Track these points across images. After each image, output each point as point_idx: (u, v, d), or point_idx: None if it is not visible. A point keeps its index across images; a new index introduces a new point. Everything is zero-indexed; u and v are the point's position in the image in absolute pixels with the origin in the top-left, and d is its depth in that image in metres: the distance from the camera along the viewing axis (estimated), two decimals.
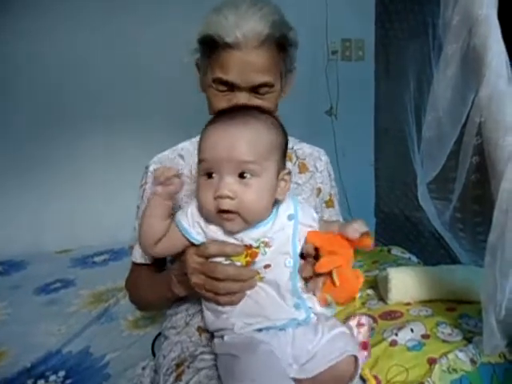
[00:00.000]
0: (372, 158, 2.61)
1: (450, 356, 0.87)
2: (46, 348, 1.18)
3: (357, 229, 0.71)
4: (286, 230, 0.72)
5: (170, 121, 1.94)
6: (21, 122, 2.01)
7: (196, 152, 0.87)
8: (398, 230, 1.82)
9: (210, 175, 0.70)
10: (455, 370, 0.86)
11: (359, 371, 0.71)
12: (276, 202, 0.75)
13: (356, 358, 0.70)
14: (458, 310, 1.04)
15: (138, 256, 0.92)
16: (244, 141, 0.68)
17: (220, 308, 0.73)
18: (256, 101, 0.83)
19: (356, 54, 2.68)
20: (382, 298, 1.16)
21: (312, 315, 0.73)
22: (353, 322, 0.76)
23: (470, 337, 0.93)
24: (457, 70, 0.80)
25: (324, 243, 0.73)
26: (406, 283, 1.11)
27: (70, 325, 1.31)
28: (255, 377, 0.61)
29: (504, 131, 0.73)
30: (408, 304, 1.12)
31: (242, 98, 0.82)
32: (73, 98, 2.06)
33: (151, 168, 0.92)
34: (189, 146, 0.96)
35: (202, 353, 0.83)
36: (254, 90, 0.83)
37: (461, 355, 0.88)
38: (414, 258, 1.51)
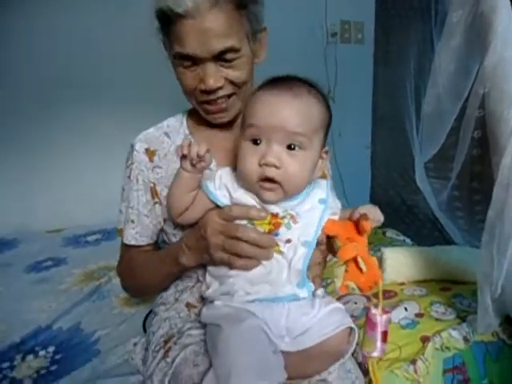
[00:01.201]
0: (369, 141, 2.60)
1: (444, 334, 0.87)
2: (37, 324, 1.15)
3: (369, 216, 0.67)
4: (315, 211, 0.71)
5: (154, 98, 1.90)
6: (8, 104, 1.96)
7: (181, 130, 0.87)
8: (394, 212, 1.82)
9: (255, 141, 0.68)
10: (448, 348, 0.86)
11: (353, 346, 0.69)
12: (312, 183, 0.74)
13: (350, 333, 0.69)
14: (452, 290, 1.04)
15: (130, 238, 0.87)
16: (298, 112, 0.67)
17: (229, 272, 0.71)
18: (224, 70, 0.77)
19: (355, 37, 2.63)
20: None
21: (312, 292, 0.71)
22: (375, 311, 0.73)
23: (464, 316, 0.93)
24: (461, 39, 0.78)
25: (342, 231, 0.70)
26: (400, 263, 1.11)
27: (60, 302, 1.28)
28: (237, 353, 0.60)
29: (509, 102, 0.71)
30: (402, 284, 1.11)
31: (209, 70, 0.75)
32: (60, 80, 2.01)
33: (137, 146, 0.87)
34: (175, 123, 0.91)
35: (189, 328, 0.82)
36: (219, 58, 0.75)
37: (454, 333, 0.88)
38: (408, 241, 1.51)
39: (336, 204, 0.74)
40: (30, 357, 1.02)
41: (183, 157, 0.70)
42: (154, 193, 0.85)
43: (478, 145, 0.83)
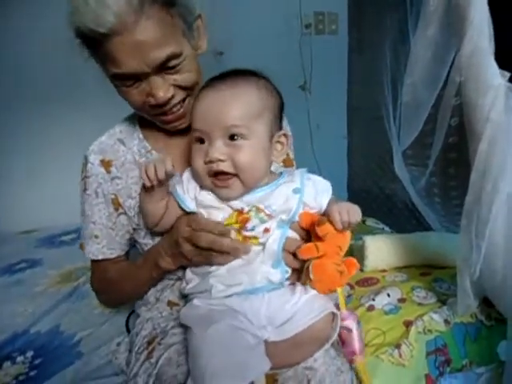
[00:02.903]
0: (345, 131, 2.63)
1: (425, 318, 0.89)
2: (13, 329, 1.11)
3: (341, 218, 0.66)
4: (290, 202, 0.70)
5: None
6: None
7: (135, 134, 0.84)
8: (372, 202, 1.85)
9: (201, 141, 0.70)
10: (430, 331, 0.88)
11: (337, 331, 0.69)
12: (281, 174, 0.74)
13: (334, 317, 0.69)
14: (432, 275, 1.07)
15: (97, 253, 0.84)
16: (231, 104, 0.67)
17: (209, 269, 0.71)
18: (171, 77, 0.71)
19: (329, 28, 2.64)
20: None
21: (286, 276, 0.71)
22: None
23: (444, 299, 0.96)
24: (437, 28, 0.79)
25: (312, 226, 0.68)
26: (381, 250, 1.13)
27: (37, 304, 1.23)
28: (208, 356, 0.60)
29: (484, 90, 0.73)
30: (383, 271, 1.14)
31: (155, 83, 0.69)
32: (31, 80, 1.93)
33: (91, 158, 0.82)
34: (127, 128, 0.86)
35: (172, 327, 0.81)
36: (162, 68, 0.69)
37: (435, 317, 0.90)
38: (387, 229, 1.54)
39: (318, 202, 0.72)
40: (8, 363, 0.99)
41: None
42: (116, 204, 0.82)
43: (455, 132, 0.85)
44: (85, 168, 0.83)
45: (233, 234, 0.70)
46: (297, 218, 0.71)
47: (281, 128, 0.75)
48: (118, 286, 0.86)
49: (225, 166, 0.67)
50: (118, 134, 0.85)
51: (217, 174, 0.68)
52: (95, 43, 0.66)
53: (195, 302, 0.72)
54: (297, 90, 2.51)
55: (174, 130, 0.79)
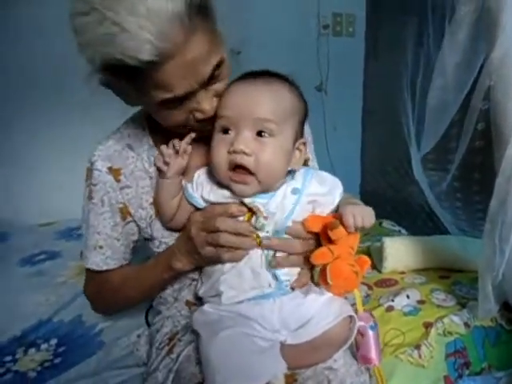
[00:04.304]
0: (360, 134, 2.63)
1: (446, 320, 0.90)
2: (36, 317, 1.13)
3: (355, 222, 0.64)
4: (285, 202, 0.69)
5: None
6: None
7: (145, 140, 0.80)
8: (387, 204, 1.85)
9: (226, 131, 0.67)
10: (450, 333, 0.89)
11: (354, 333, 0.69)
12: (290, 173, 0.72)
13: (351, 320, 0.69)
14: (451, 278, 1.07)
15: (101, 264, 0.80)
16: (265, 99, 0.66)
17: (221, 270, 0.71)
18: (213, 88, 0.68)
19: (346, 30, 2.64)
20: (377, 267, 1.18)
21: (285, 284, 0.70)
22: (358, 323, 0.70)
23: (464, 302, 0.96)
24: (467, 33, 0.79)
25: (322, 229, 0.66)
26: (400, 252, 1.13)
27: (59, 295, 1.26)
28: (217, 362, 0.61)
29: None
30: (402, 273, 1.14)
31: (202, 99, 0.66)
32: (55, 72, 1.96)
33: (98, 165, 0.77)
34: (135, 130, 0.81)
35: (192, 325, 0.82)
36: (210, 79, 0.66)
37: (455, 319, 0.91)
38: (403, 231, 1.54)
39: (328, 199, 0.71)
40: (32, 350, 1.01)
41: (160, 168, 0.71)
42: (125, 213, 0.80)
43: (481, 137, 0.85)
44: (91, 174, 0.78)
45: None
46: (290, 223, 0.69)
47: (302, 136, 0.74)
48: (123, 293, 0.84)
49: (247, 161, 0.64)
50: (126, 139, 0.80)
51: (236, 168, 0.66)
52: (136, 72, 0.58)
53: (206, 307, 0.72)
54: (313, 90, 2.51)
55: (205, 134, 0.74)
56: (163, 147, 0.72)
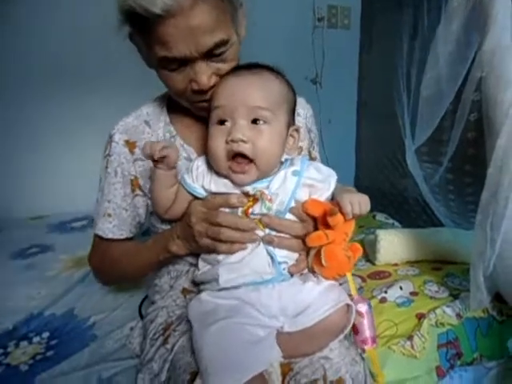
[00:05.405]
0: (355, 126, 2.63)
1: (438, 311, 0.91)
2: (28, 311, 1.12)
3: (353, 209, 0.66)
4: (287, 183, 0.71)
5: (131, 79, 1.84)
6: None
7: (162, 117, 0.85)
8: (382, 197, 1.85)
9: (222, 122, 0.70)
10: (442, 324, 0.89)
11: (351, 322, 0.70)
12: (287, 160, 0.75)
13: (348, 308, 0.70)
14: (444, 270, 1.08)
15: (107, 231, 0.84)
16: (258, 88, 0.69)
17: (217, 257, 0.72)
18: (215, 65, 0.72)
19: (342, 22, 2.63)
20: (370, 259, 1.19)
21: (283, 267, 0.71)
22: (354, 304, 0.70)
23: (456, 294, 0.97)
24: (460, 24, 0.79)
25: (322, 213, 0.68)
26: (394, 244, 1.14)
27: (51, 288, 1.24)
28: (209, 353, 0.62)
29: (504, 86, 0.73)
30: (395, 265, 1.15)
31: (200, 69, 0.70)
32: (44, 68, 1.94)
33: (116, 137, 0.83)
34: (155, 110, 0.87)
35: (187, 315, 0.82)
36: (210, 54, 0.69)
37: (448, 310, 0.91)
38: (397, 224, 1.55)
39: (325, 186, 0.72)
40: (25, 343, 1.00)
41: (148, 157, 0.72)
42: (135, 185, 0.84)
43: (474, 128, 0.85)
44: (109, 146, 0.84)
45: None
46: (293, 203, 0.71)
47: (294, 122, 0.77)
48: (120, 266, 0.87)
49: (246, 148, 0.67)
50: (144, 116, 0.85)
51: (235, 157, 0.68)
52: (144, 23, 0.65)
53: (203, 295, 0.73)
54: (308, 83, 2.50)
55: (206, 117, 0.78)
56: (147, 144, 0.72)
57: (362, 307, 0.69)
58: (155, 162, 0.72)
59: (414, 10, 1.46)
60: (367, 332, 0.69)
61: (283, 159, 0.75)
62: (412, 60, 1.35)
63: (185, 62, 0.70)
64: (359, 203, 0.67)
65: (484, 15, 0.72)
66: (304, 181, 0.72)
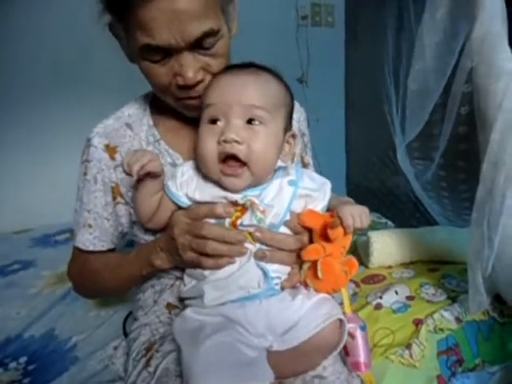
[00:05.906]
0: (343, 125, 2.59)
1: (436, 316, 0.86)
2: (5, 333, 1.06)
3: (354, 223, 0.63)
4: (283, 193, 0.66)
5: (110, 78, 1.78)
6: None
7: (145, 120, 0.79)
8: (373, 196, 1.81)
9: (214, 121, 0.64)
10: (441, 330, 0.85)
11: (345, 338, 0.65)
12: (281, 168, 0.70)
13: (341, 324, 0.66)
14: (440, 271, 1.04)
15: (88, 243, 0.78)
16: (255, 86, 0.64)
17: (203, 273, 0.67)
18: (203, 59, 0.66)
19: (326, 20, 2.60)
20: (363, 262, 1.14)
21: (275, 282, 0.67)
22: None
23: (454, 296, 0.92)
24: (446, 11, 0.74)
25: (319, 225, 0.65)
26: (387, 246, 1.09)
27: (31, 307, 1.18)
28: (198, 376, 0.57)
29: (496, 76, 0.69)
30: (389, 267, 1.10)
31: (186, 61, 0.64)
32: (27, 75, 1.88)
33: (95, 141, 0.76)
34: (136, 111, 0.80)
35: (171, 333, 0.76)
36: (196, 45, 0.63)
37: (446, 314, 0.86)
38: (390, 223, 1.51)
39: (320, 195, 0.69)
40: (0, 370, 0.94)
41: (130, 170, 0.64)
42: (116, 193, 0.78)
43: (465, 121, 0.81)
44: (87, 151, 0.77)
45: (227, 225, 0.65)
46: (288, 216, 0.67)
47: (291, 128, 0.72)
48: (100, 279, 0.81)
49: (239, 150, 0.61)
50: (125, 118, 0.79)
51: (227, 160, 0.63)
52: (126, 8, 0.59)
53: (187, 312, 0.68)
54: (294, 82, 2.46)
55: (195, 117, 0.72)
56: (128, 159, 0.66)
57: (354, 328, 0.65)
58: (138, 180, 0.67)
59: (399, 2, 1.43)
60: (359, 357, 0.65)
61: (276, 167, 0.70)
62: (399, 54, 1.32)
63: (169, 53, 0.63)
64: (360, 216, 0.63)
65: (471, 1, 0.67)
66: (300, 192, 0.67)
